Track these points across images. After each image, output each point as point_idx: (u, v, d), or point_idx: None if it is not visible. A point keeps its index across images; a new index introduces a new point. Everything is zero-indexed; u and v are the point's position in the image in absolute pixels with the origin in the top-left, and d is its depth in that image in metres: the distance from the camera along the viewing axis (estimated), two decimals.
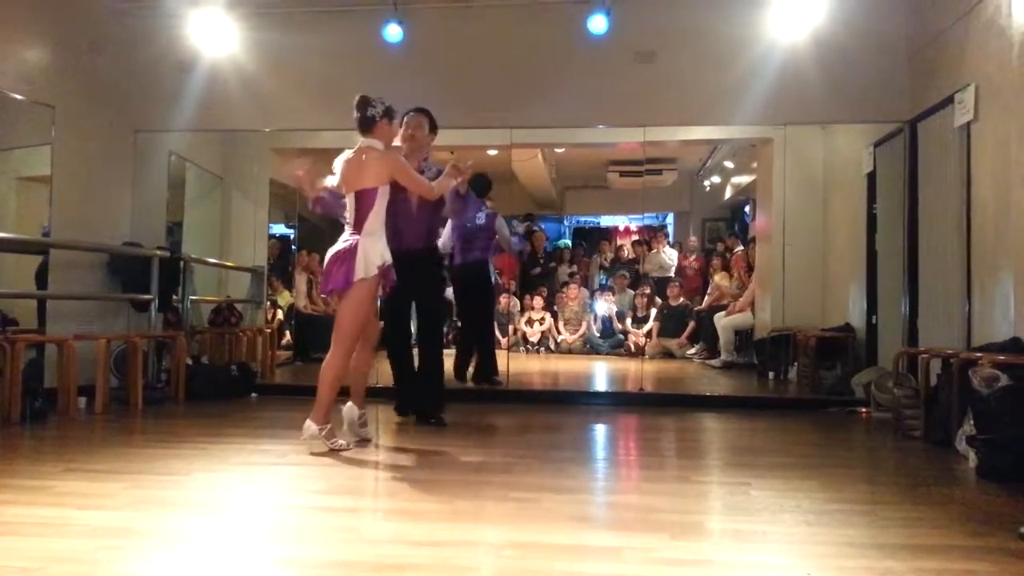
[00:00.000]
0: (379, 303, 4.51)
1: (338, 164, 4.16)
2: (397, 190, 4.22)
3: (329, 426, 3.99)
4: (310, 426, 3.98)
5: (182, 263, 6.61)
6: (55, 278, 5.71)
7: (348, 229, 4.09)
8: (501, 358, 6.72)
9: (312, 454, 3.88)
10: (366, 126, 4.10)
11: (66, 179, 5.81)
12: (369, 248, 3.99)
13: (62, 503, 2.91)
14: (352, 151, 4.12)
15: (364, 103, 4.09)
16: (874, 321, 6.49)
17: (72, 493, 3.06)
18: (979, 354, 4.14)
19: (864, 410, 5.65)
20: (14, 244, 5.59)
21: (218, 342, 7.05)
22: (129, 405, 5.51)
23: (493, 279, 6.81)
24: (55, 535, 2.51)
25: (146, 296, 6.17)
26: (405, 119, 4.67)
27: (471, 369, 6.56)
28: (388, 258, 4.08)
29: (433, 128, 4.81)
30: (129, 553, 2.36)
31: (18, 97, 5.44)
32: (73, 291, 5.92)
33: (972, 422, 3.93)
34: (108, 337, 5.56)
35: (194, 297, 6.88)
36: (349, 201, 4.09)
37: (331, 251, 4.07)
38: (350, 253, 3.97)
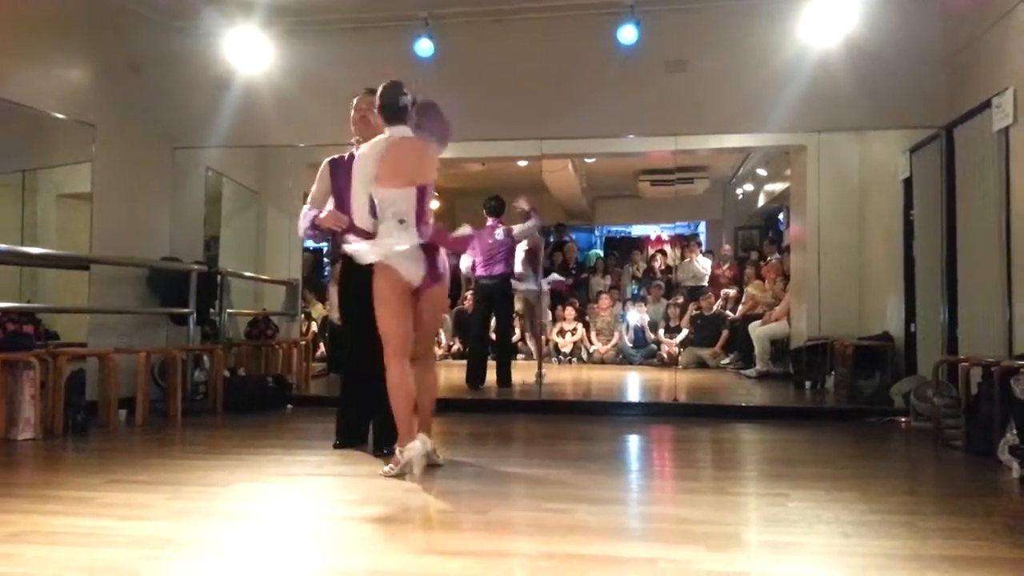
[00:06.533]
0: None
1: (379, 156, 3.68)
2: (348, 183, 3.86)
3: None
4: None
5: (219, 277, 6.71)
6: (96, 293, 5.84)
7: (403, 226, 3.70)
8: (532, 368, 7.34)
9: (345, 466, 3.92)
10: (403, 114, 3.75)
11: (106, 196, 5.94)
12: None
13: (105, 514, 2.97)
14: (390, 140, 3.73)
15: (400, 88, 3.77)
16: (913, 329, 6.39)
17: (115, 504, 3.12)
18: (1021, 362, 4.06)
19: (903, 420, 5.56)
20: (56, 260, 5.73)
21: (254, 354, 7.13)
22: (168, 417, 5.61)
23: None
24: (99, 545, 2.56)
25: (184, 310, 6.28)
26: (355, 101, 4.24)
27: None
28: None
29: None
30: (171, 563, 2.41)
31: (60, 116, 5.58)
32: (114, 305, 6.05)
33: (1015, 431, 3.86)
34: (148, 350, 5.66)
35: (231, 310, 6.98)
36: (407, 196, 3.70)
37: (416, 247, 3.69)
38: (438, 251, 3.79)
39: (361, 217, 3.75)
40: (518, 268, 7.53)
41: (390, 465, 3.67)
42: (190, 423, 5.53)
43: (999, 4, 4.97)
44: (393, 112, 3.76)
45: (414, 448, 3.56)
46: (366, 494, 3.35)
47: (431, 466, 3.69)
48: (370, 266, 3.74)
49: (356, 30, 6.48)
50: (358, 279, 3.89)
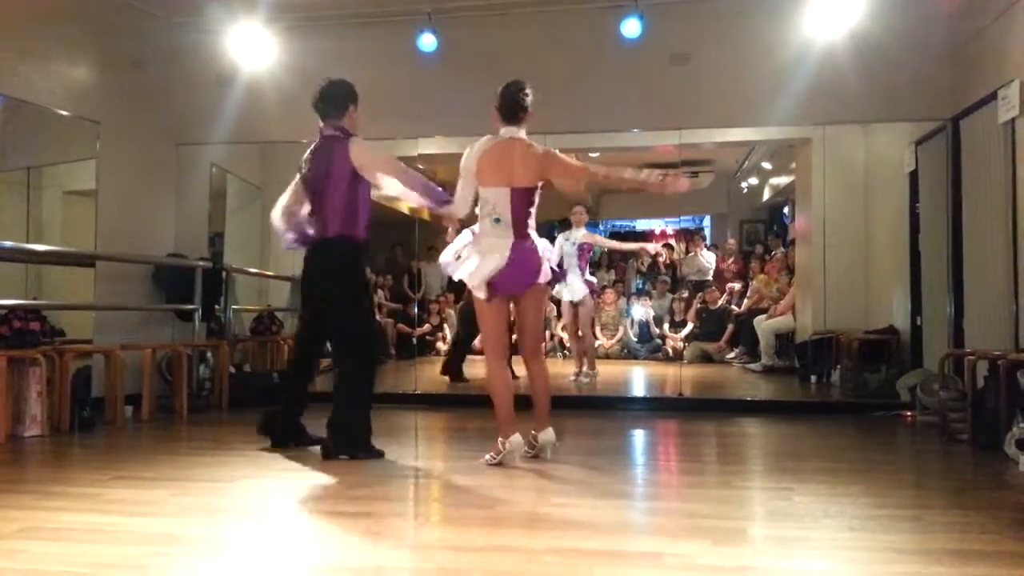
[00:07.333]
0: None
1: (481, 153, 3.74)
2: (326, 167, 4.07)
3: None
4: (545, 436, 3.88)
5: (224, 273, 6.72)
6: (101, 290, 5.85)
7: (499, 225, 3.74)
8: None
9: (352, 463, 3.92)
10: (522, 114, 3.81)
11: (111, 192, 5.96)
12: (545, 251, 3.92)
13: (111, 510, 2.98)
14: (496, 139, 3.78)
15: (520, 88, 3.82)
16: (919, 322, 6.37)
17: (121, 500, 3.13)
18: None
19: (909, 413, 5.56)
20: (61, 256, 5.74)
21: (260, 350, 7.15)
22: (174, 413, 5.63)
23: None
24: (105, 541, 2.57)
25: (190, 306, 6.29)
26: None
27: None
28: None
29: None
30: (177, 559, 2.41)
31: (64, 113, 5.59)
32: (119, 302, 6.06)
33: (1021, 425, 3.85)
34: (154, 347, 5.68)
35: (236, 306, 6.99)
36: (503, 196, 3.72)
37: (506, 251, 3.71)
38: (535, 253, 3.79)
39: (462, 208, 3.88)
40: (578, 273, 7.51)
41: (491, 454, 3.80)
42: (196, 419, 5.55)
43: None
44: (510, 111, 3.82)
45: (515, 441, 3.77)
46: (372, 490, 3.36)
47: (533, 457, 3.88)
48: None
49: (359, 25, 6.46)
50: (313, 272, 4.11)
